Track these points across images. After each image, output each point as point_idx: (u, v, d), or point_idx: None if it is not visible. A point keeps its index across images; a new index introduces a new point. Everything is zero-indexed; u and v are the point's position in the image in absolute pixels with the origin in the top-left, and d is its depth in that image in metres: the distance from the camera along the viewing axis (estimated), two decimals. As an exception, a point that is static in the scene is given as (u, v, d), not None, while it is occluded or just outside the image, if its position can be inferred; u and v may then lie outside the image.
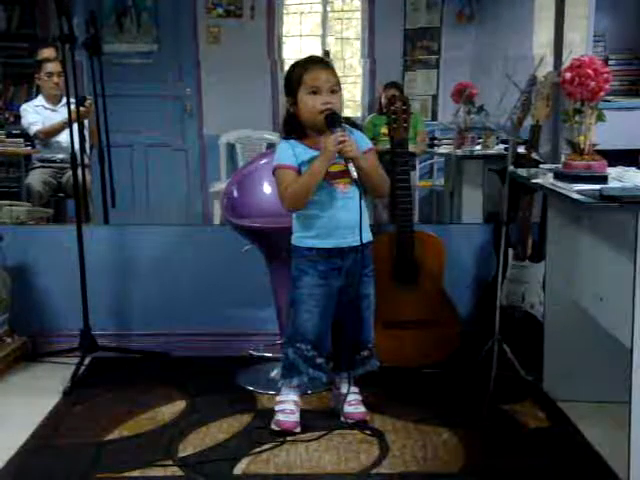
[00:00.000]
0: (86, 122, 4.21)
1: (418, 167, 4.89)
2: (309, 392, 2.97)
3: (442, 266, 3.34)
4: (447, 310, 3.35)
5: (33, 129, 4.42)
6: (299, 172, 2.63)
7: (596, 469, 2.46)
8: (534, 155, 3.18)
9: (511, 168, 2.98)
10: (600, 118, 2.59)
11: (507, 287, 3.25)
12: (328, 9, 5.56)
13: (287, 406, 2.72)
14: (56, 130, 4.31)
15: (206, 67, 5.35)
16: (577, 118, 2.58)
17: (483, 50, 5.10)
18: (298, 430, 2.68)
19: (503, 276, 3.17)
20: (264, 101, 5.16)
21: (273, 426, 2.70)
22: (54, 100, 4.40)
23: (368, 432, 2.70)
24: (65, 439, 2.66)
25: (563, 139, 3.21)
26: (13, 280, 3.51)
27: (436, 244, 3.35)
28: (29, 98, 4.75)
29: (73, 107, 3.38)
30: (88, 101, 4.17)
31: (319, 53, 5.31)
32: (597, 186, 2.32)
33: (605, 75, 2.54)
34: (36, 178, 4.40)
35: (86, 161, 4.05)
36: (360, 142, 2.66)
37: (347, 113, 5.36)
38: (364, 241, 2.66)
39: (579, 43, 3.48)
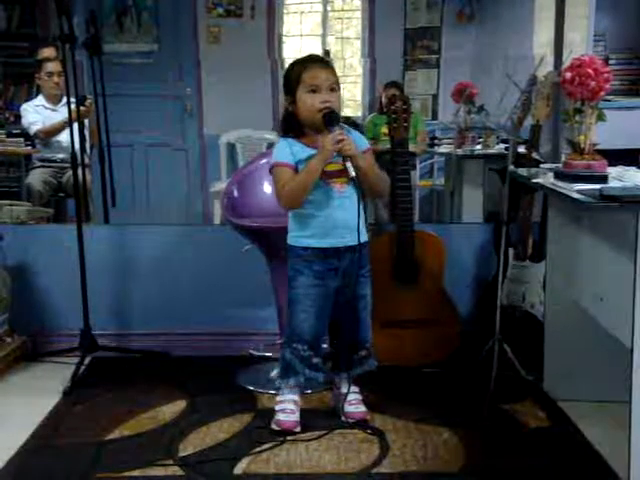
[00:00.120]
0: (86, 122, 4.21)
1: (418, 167, 4.88)
2: (309, 391, 2.97)
3: (442, 266, 3.34)
4: (447, 310, 3.35)
5: (33, 129, 4.41)
6: (296, 170, 2.62)
7: (596, 469, 2.46)
8: (534, 155, 3.18)
9: (511, 168, 2.98)
10: (600, 118, 2.59)
11: (507, 287, 3.25)
12: (328, 8, 5.56)
13: (287, 406, 2.72)
14: (56, 130, 4.31)
15: (206, 67, 5.35)
16: (577, 118, 2.58)
17: (483, 50, 5.09)
18: (298, 430, 2.69)
19: (503, 276, 3.17)
20: (264, 101, 5.15)
21: (273, 426, 2.70)
22: (54, 100, 4.40)
23: (368, 431, 2.70)
24: (65, 439, 2.67)
25: (563, 139, 3.20)
26: (13, 280, 3.51)
27: (436, 244, 3.35)
28: (29, 98, 4.75)
29: (73, 107, 3.38)
30: (88, 101, 4.17)
31: (319, 52, 5.30)
32: (597, 186, 2.32)
33: (605, 75, 2.54)
34: (36, 178, 4.40)
35: (86, 161, 4.04)
36: (358, 142, 2.66)
37: (347, 112, 5.36)
38: (361, 241, 2.66)
39: (579, 43, 3.48)
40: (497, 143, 4.40)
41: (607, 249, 2.46)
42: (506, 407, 2.90)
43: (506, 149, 3.33)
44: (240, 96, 5.10)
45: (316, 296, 2.69)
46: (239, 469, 2.45)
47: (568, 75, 2.57)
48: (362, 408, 2.80)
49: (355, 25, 5.52)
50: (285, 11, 5.52)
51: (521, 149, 3.18)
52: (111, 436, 2.68)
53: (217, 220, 4.45)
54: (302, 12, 5.55)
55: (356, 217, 2.61)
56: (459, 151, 4.66)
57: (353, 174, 2.55)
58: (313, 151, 2.61)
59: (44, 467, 2.47)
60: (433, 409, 2.89)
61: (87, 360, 3.32)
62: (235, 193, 3.31)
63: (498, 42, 5.00)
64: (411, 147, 3.41)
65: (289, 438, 2.64)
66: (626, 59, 4.48)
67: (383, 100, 4.72)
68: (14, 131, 4.70)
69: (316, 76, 2.61)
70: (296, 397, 2.75)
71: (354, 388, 2.83)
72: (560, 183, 2.53)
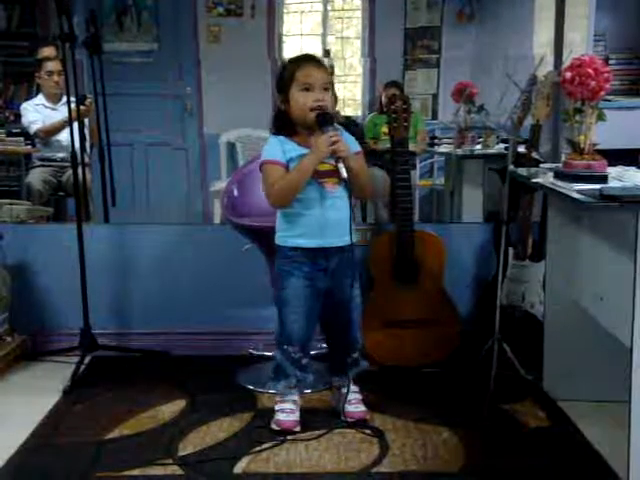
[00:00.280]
0: (86, 121, 4.21)
1: (418, 166, 4.89)
2: (309, 391, 2.97)
3: (442, 265, 3.34)
4: (447, 309, 3.35)
5: (33, 128, 4.42)
6: (287, 169, 2.61)
7: (596, 468, 2.46)
8: (534, 154, 3.18)
9: (511, 167, 2.97)
10: (600, 117, 2.59)
11: (507, 286, 3.25)
12: (328, 8, 5.57)
13: (287, 405, 2.72)
14: (56, 129, 4.31)
15: (206, 66, 5.35)
16: (577, 117, 2.58)
17: (483, 49, 5.10)
18: (298, 429, 2.68)
19: (503, 275, 3.17)
20: (264, 100, 5.15)
21: (273, 425, 2.70)
22: (54, 99, 4.40)
23: (368, 431, 2.70)
24: (65, 438, 2.66)
25: (563, 138, 3.21)
26: (13, 279, 3.51)
27: (436, 243, 3.35)
28: (29, 97, 4.75)
29: (73, 106, 3.38)
30: (88, 100, 4.17)
31: (319, 52, 5.31)
32: (597, 185, 2.32)
33: (605, 74, 2.54)
34: (36, 177, 4.40)
35: (86, 160, 4.04)
36: (349, 143, 2.65)
37: (347, 112, 5.37)
38: (350, 242, 2.65)
39: (579, 42, 3.48)
40: (497, 143, 4.40)
41: (607, 249, 2.46)
42: (506, 407, 2.90)
43: (506, 149, 3.34)
44: (240, 95, 5.11)
45: (306, 297, 2.68)
46: (239, 468, 2.45)
47: (568, 75, 2.57)
48: (362, 407, 2.80)
49: (355, 25, 5.53)
50: (285, 10, 5.53)
51: (521, 149, 3.18)
52: (111, 435, 2.68)
53: (217, 219, 4.46)
54: (302, 11, 5.56)
55: (346, 217, 2.61)
56: (459, 151, 4.67)
57: (345, 175, 2.55)
58: (305, 150, 2.60)
59: (44, 466, 2.47)
60: (433, 409, 2.89)
61: (87, 359, 3.32)
62: (235, 192, 3.31)
63: (498, 42, 5.00)
64: (411, 147, 3.41)
65: (289, 437, 2.64)
66: (626, 59, 4.49)
67: (383, 100, 4.72)
68: (14, 130, 4.71)
69: (309, 74, 2.60)
70: (296, 397, 2.75)
71: (354, 387, 2.83)
72: (560, 183, 2.53)
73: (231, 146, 5.14)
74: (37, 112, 4.43)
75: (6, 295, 3.47)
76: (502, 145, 4.20)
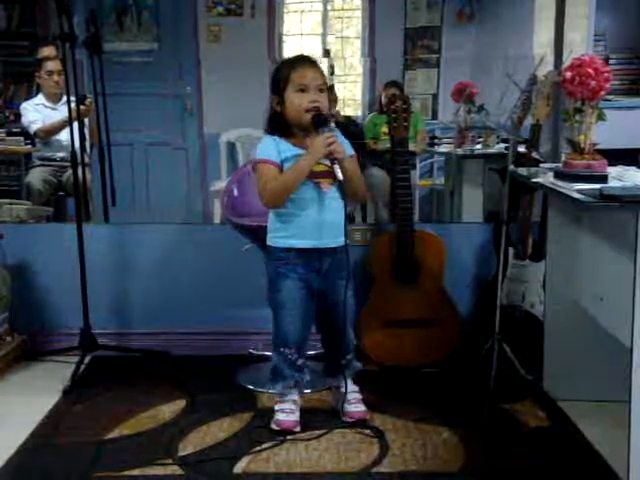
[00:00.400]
0: (86, 121, 4.21)
1: (418, 166, 4.89)
2: (308, 391, 2.97)
3: (442, 265, 3.34)
4: (447, 309, 3.35)
5: (33, 127, 4.41)
6: (281, 169, 2.61)
7: (596, 468, 2.46)
8: (534, 154, 3.18)
9: (511, 167, 2.97)
10: (600, 117, 2.59)
11: (507, 286, 3.25)
12: (328, 8, 5.56)
13: (287, 405, 2.72)
14: (56, 128, 4.31)
15: (206, 66, 5.34)
16: (577, 117, 2.58)
17: (483, 49, 5.09)
18: (298, 429, 2.69)
19: (503, 275, 3.17)
20: (264, 100, 5.12)
21: (273, 425, 2.70)
22: (54, 98, 4.40)
23: (368, 431, 2.70)
24: (65, 438, 2.67)
25: (563, 138, 3.20)
26: (13, 278, 3.51)
27: (436, 243, 3.35)
28: (29, 96, 4.74)
29: (73, 106, 3.38)
30: (88, 100, 4.17)
31: (319, 52, 5.31)
32: (597, 185, 2.32)
33: (605, 74, 2.54)
34: (36, 177, 4.40)
35: (86, 160, 4.04)
36: (344, 146, 2.65)
37: (347, 112, 5.36)
38: (342, 243, 2.65)
39: (579, 42, 3.48)
40: (497, 143, 4.40)
41: (607, 249, 2.46)
42: (506, 407, 2.90)
43: (506, 149, 3.34)
44: (240, 95, 5.10)
45: (301, 299, 2.68)
46: (239, 468, 2.45)
47: (568, 75, 2.57)
48: (362, 407, 2.80)
49: (355, 24, 5.52)
50: (285, 10, 5.52)
51: (521, 149, 3.18)
52: (111, 435, 2.68)
53: (217, 219, 4.45)
54: (302, 11, 5.55)
55: (341, 218, 2.61)
56: (459, 151, 4.66)
57: (341, 177, 2.55)
58: (300, 151, 2.60)
59: (44, 466, 2.47)
60: (433, 409, 2.89)
61: (87, 359, 3.32)
62: (235, 192, 3.31)
63: (498, 42, 5.00)
64: (411, 146, 3.41)
65: (289, 437, 2.64)
66: (626, 59, 4.49)
67: (383, 100, 4.72)
68: (14, 130, 4.70)
69: (305, 75, 2.60)
70: (295, 397, 2.75)
71: (354, 387, 2.83)
72: (560, 183, 2.53)
73: (231, 146, 5.13)
74: (37, 112, 4.43)
75: (6, 295, 3.47)
76: (502, 145, 4.19)
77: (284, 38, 5.47)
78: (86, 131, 4.22)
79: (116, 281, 3.59)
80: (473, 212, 4.35)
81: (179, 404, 2.96)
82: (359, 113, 5.42)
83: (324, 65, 4.78)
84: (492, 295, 3.11)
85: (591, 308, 2.64)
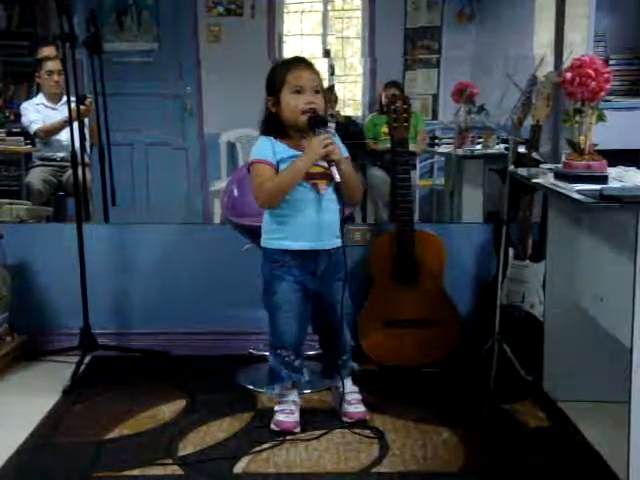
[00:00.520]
0: (86, 121, 4.20)
1: (418, 166, 4.88)
2: (308, 391, 2.98)
3: (442, 265, 3.34)
4: (447, 309, 3.35)
5: (33, 127, 4.41)
6: (277, 170, 2.60)
7: (596, 469, 2.46)
8: (534, 155, 3.18)
9: (511, 168, 2.98)
10: (600, 118, 2.59)
11: (507, 287, 3.25)
12: (329, 8, 5.55)
13: (287, 406, 2.72)
14: (56, 128, 4.31)
15: (206, 66, 5.34)
16: (577, 118, 2.58)
17: (483, 50, 5.09)
18: (298, 430, 2.69)
19: (503, 275, 3.17)
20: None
21: (273, 426, 2.70)
22: (54, 98, 4.40)
23: (368, 431, 2.70)
24: (65, 438, 2.67)
25: (563, 139, 3.20)
26: (13, 278, 3.51)
27: (436, 243, 3.35)
28: (29, 96, 4.74)
29: (73, 105, 3.38)
30: (88, 100, 4.16)
31: (320, 52, 5.31)
32: (597, 186, 2.32)
33: (606, 75, 2.54)
34: (36, 176, 4.39)
35: (86, 160, 4.04)
36: (340, 147, 2.65)
37: (347, 112, 5.36)
38: (338, 245, 2.65)
39: (580, 43, 3.48)
40: (497, 143, 4.39)
41: (607, 249, 2.47)
42: (506, 407, 2.90)
43: (506, 149, 3.34)
44: (240, 95, 5.08)
45: (297, 301, 2.68)
46: (239, 468, 2.45)
47: (568, 75, 2.57)
48: (361, 408, 2.80)
49: (355, 25, 5.51)
50: (285, 10, 5.51)
51: (521, 149, 3.18)
52: (111, 435, 2.69)
53: (217, 219, 4.45)
54: (302, 11, 5.55)
55: (337, 220, 2.62)
56: (459, 151, 4.66)
57: (338, 179, 2.54)
58: (296, 152, 2.59)
59: (44, 466, 2.47)
60: (433, 409, 2.89)
61: (87, 359, 3.32)
62: (235, 192, 3.31)
63: (498, 42, 4.99)
64: (411, 147, 3.41)
65: (289, 438, 2.64)
66: (626, 59, 4.48)
67: (383, 100, 4.72)
68: (14, 130, 4.70)
69: (301, 77, 2.59)
70: (295, 397, 2.75)
71: (353, 388, 2.83)
72: (560, 183, 2.53)
73: (231, 146, 5.13)
74: (37, 112, 4.43)
75: (6, 295, 3.47)
76: (502, 145, 4.19)
77: (284, 38, 5.47)
78: (86, 131, 4.22)
79: (116, 281, 3.59)
80: (473, 212, 4.35)
81: (179, 404, 2.96)
82: (359, 113, 5.41)
83: (324, 65, 4.77)
84: (492, 295, 3.11)
85: (591, 308, 2.64)
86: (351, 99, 5.53)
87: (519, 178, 2.90)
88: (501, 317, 3.01)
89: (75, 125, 3.54)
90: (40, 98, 4.48)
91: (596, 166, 2.55)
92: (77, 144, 3.47)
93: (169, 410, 2.90)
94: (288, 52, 5.42)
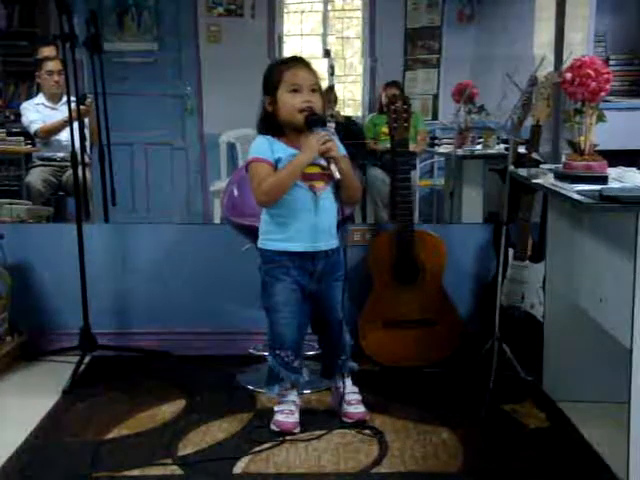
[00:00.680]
0: (86, 120, 4.20)
1: (418, 166, 4.88)
2: (308, 391, 2.98)
3: (442, 266, 3.34)
4: (447, 310, 3.35)
5: (33, 127, 4.41)
6: (275, 168, 2.60)
7: (596, 469, 2.46)
8: (534, 155, 3.18)
9: (511, 168, 2.98)
10: (600, 118, 2.59)
11: (507, 287, 3.25)
12: (329, 8, 5.55)
13: (286, 406, 2.72)
14: (56, 128, 4.31)
15: (206, 66, 5.34)
16: (577, 118, 2.58)
17: (484, 50, 5.09)
18: (297, 430, 2.69)
19: (503, 276, 3.17)
20: (264, 100, 5.14)
21: (272, 426, 2.70)
22: (54, 98, 4.40)
23: (368, 432, 2.70)
24: (65, 438, 2.67)
25: (563, 139, 3.21)
26: (13, 278, 3.51)
27: (436, 244, 3.35)
28: (29, 96, 4.75)
29: (73, 105, 3.38)
30: (88, 99, 4.16)
31: (320, 52, 5.31)
32: (597, 186, 2.32)
33: (606, 75, 2.54)
34: (36, 176, 4.40)
35: (86, 159, 4.04)
36: (338, 146, 2.64)
37: (347, 112, 5.36)
38: (335, 246, 2.66)
39: (580, 43, 3.48)
40: (497, 143, 4.40)
41: (607, 250, 2.46)
42: (506, 407, 2.90)
43: (506, 149, 3.34)
44: (240, 95, 5.08)
45: (295, 302, 2.67)
46: (238, 468, 2.45)
47: (568, 76, 2.57)
48: (361, 408, 2.80)
49: (356, 25, 5.52)
50: (285, 10, 5.52)
51: (521, 149, 3.18)
52: (110, 435, 2.69)
53: (217, 219, 4.45)
54: (303, 11, 5.55)
55: (334, 221, 2.62)
56: (459, 151, 4.66)
57: (338, 176, 2.54)
58: (294, 151, 2.59)
59: (43, 466, 2.47)
60: (433, 409, 2.89)
61: (87, 359, 3.32)
62: (235, 192, 3.31)
63: (498, 42, 4.99)
64: (411, 147, 3.41)
65: (288, 438, 2.64)
66: (626, 60, 4.48)
67: (383, 100, 4.71)
68: (14, 130, 4.70)
69: (297, 75, 2.59)
70: (295, 398, 2.75)
71: (353, 388, 2.83)
72: (560, 184, 2.53)
73: (231, 146, 5.13)
74: (37, 112, 4.43)
75: (6, 295, 3.47)
76: (502, 146, 4.19)
77: (284, 38, 5.47)
78: (86, 131, 4.22)
79: (116, 281, 3.59)
80: (473, 213, 4.35)
81: (179, 404, 2.96)
82: (359, 113, 5.41)
83: (324, 65, 4.77)
84: (492, 296, 3.11)
85: (591, 309, 2.64)
86: (351, 99, 5.53)
87: (519, 178, 2.90)
88: (501, 317, 3.01)
89: (75, 125, 3.54)
90: (40, 98, 4.48)
91: (596, 166, 2.55)
92: (77, 144, 3.47)
93: (169, 410, 2.90)
94: (288, 52, 5.42)
